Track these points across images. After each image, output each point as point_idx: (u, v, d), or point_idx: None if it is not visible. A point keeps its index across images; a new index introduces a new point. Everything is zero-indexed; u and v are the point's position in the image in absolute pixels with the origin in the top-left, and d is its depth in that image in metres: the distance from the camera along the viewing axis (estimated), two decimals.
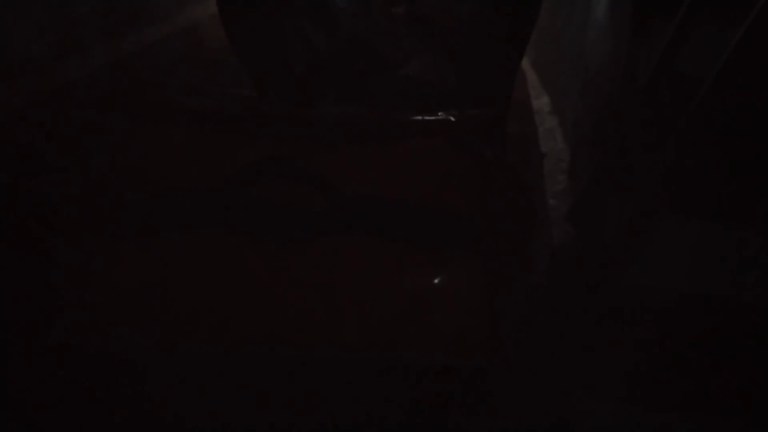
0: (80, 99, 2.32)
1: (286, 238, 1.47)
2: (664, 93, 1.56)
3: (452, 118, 1.60)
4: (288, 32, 1.85)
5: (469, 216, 1.50)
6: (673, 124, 1.47)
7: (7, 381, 1.42)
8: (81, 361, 1.38)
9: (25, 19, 2.22)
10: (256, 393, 1.39)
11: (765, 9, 1.23)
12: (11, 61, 2.15)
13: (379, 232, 1.47)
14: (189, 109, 1.69)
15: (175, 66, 3.26)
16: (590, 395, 1.67)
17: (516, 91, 2.23)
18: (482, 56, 1.85)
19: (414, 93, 1.87)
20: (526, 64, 3.51)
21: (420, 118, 1.61)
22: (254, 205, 1.51)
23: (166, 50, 3.24)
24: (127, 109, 1.67)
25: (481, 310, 1.37)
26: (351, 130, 1.61)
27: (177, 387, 1.39)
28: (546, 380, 1.60)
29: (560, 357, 1.66)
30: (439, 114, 1.62)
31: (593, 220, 1.89)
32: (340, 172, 1.53)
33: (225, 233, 1.47)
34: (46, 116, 2.08)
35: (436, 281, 1.41)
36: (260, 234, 1.47)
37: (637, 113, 1.68)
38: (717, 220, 1.62)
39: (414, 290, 1.40)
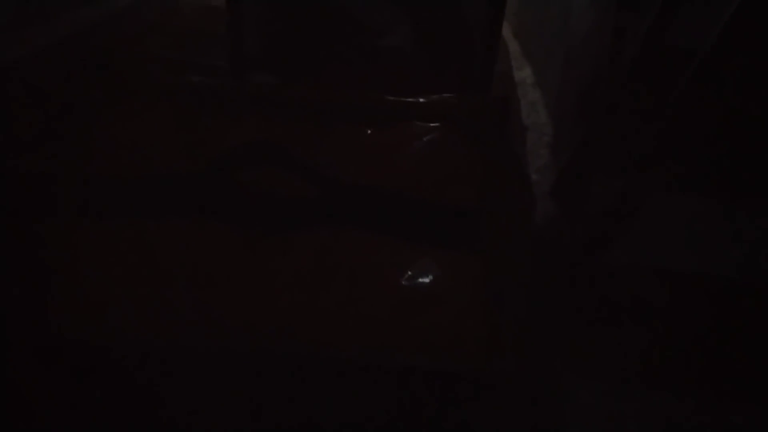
0: (45, 71, 2.21)
1: (272, 230, 1.39)
2: (654, 66, 1.51)
3: (453, 101, 1.52)
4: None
5: (470, 209, 1.41)
6: (663, 98, 1.43)
7: None
8: (49, 356, 1.31)
9: None
10: (238, 393, 1.32)
11: None
12: None
13: (372, 226, 1.38)
14: (169, 85, 1.59)
15: (148, 36, 3.15)
16: (581, 378, 1.65)
17: (498, 61, 2.15)
18: (459, 28, 1.77)
19: (396, 65, 1.79)
20: (507, 33, 3.44)
21: (418, 99, 1.52)
22: (239, 192, 1.42)
23: (138, 19, 3.12)
24: (101, 82, 1.57)
25: (480, 312, 1.30)
26: (344, 111, 1.51)
27: (152, 385, 1.32)
28: (537, 366, 1.57)
29: (550, 341, 1.63)
30: (438, 96, 1.53)
31: (578, 196, 1.86)
32: (332, 158, 1.44)
33: (206, 222, 1.38)
34: (6, 89, 1.98)
35: (432, 280, 1.33)
36: (245, 225, 1.38)
37: (624, 87, 1.64)
38: (707, 196, 1.59)
39: (409, 289, 1.32)
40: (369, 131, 1.47)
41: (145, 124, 1.47)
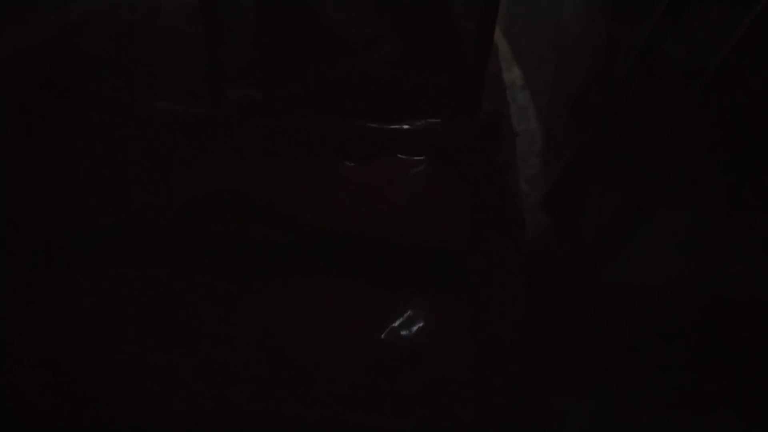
0: (22, 79, 2.12)
1: (243, 281, 1.29)
2: (650, 79, 1.44)
3: (439, 126, 1.42)
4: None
5: (458, 250, 1.33)
6: (660, 113, 1.37)
7: None
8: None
9: None
10: None
11: None
12: None
13: (351, 274, 1.29)
14: (140, 116, 1.49)
15: (125, 37, 3.05)
16: (570, 396, 1.60)
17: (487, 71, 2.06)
18: (448, 42, 1.69)
19: (383, 78, 1.70)
20: (497, 33, 3.37)
21: (402, 127, 1.43)
22: (209, 239, 1.32)
23: (115, 20, 3.02)
24: (68, 110, 1.46)
25: (469, 365, 1.22)
26: (323, 143, 1.42)
27: None
28: (528, 385, 1.51)
29: (541, 359, 1.57)
30: (424, 122, 1.43)
31: (570, 210, 1.79)
32: (310, 198, 1.35)
33: (171, 273, 1.28)
34: None
35: (417, 333, 1.25)
36: (213, 275, 1.29)
37: (618, 98, 1.57)
38: (704, 211, 1.53)
39: (392, 342, 1.24)
40: (349, 165, 1.39)
41: (109, 160, 1.37)
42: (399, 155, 1.38)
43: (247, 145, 1.38)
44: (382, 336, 1.23)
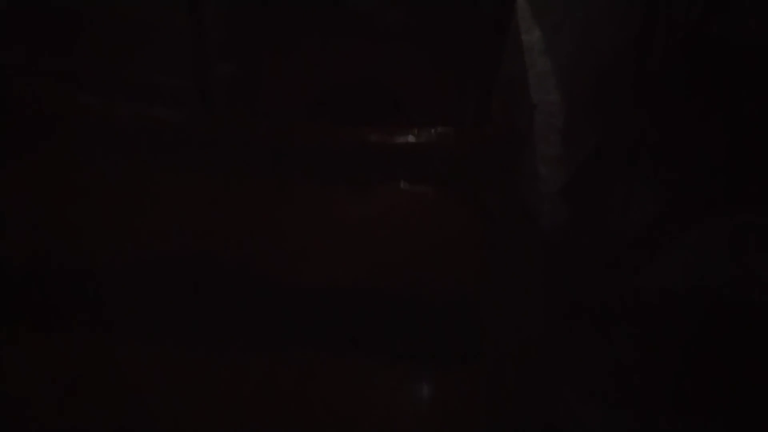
0: None
1: (223, 352, 1.10)
2: (699, 62, 1.23)
3: (447, 140, 1.23)
4: None
5: (469, 300, 1.14)
6: (708, 103, 1.16)
7: None
8: None
9: None
10: None
11: None
12: None
13: (343, 342, 1.11)
14: (112, 124, 1.28)
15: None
16: (580, 398, 1.46)
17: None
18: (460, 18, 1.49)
19: (387, 51, 1.49)
20: None
21: (407, 139, 1.23)
22: (175, 296, 1.12)
23: None
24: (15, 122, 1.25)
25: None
26: (312, 161, 1.22)
27: None
28: (536, 385, 1.37)
29: (550, 360, 1.42)
30: (431, 131, 1.23)
31: (593, 203, 1.60)
32: (294, 243, 1.16)
33: (140, 339, 1.09)
34: None
35: (425, 406, 1.08)
36: (191, 345, 1.10)
37: (654, 81, 1.36)
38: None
39: (397, 420, 1.06)
40: (342, 195, 1.20)
41: (63, 185, 1.18)
42: (402, 183, 1.20)
43: (222, 165, 1.19)
44: (385, 414, 1.07)
